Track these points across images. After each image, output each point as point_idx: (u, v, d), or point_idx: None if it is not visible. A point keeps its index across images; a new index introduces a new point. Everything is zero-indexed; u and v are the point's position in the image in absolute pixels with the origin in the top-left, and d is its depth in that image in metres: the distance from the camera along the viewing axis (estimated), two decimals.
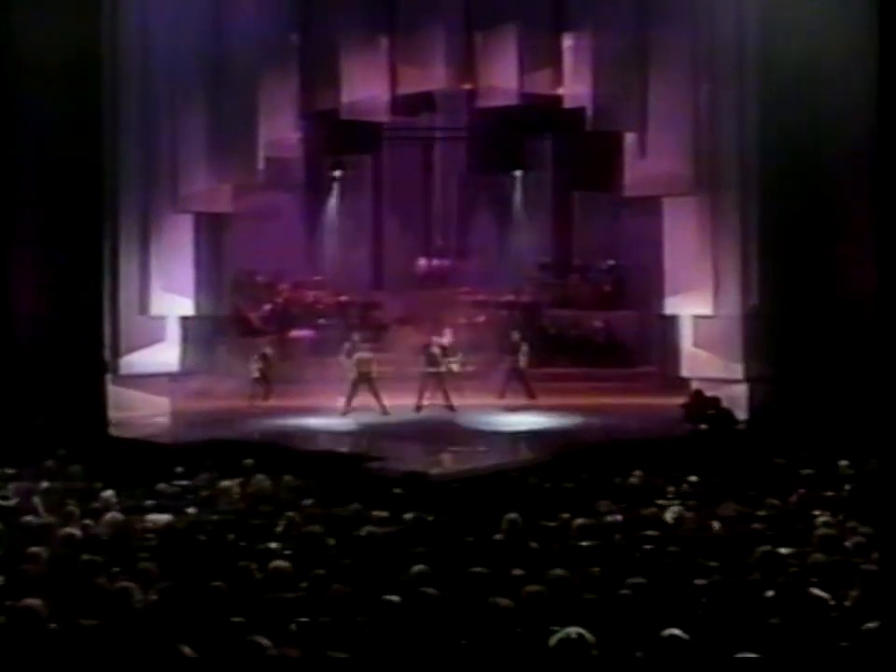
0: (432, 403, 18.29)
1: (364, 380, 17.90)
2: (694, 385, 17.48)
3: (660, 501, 10.71)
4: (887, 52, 16.24)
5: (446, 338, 19.65)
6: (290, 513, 9.81)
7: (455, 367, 18.77)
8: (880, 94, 16.33)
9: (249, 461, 12.54)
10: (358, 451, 15.43)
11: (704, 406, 16.60)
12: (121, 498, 10.79)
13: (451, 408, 18.20)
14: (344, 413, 17.72)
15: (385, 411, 17.82)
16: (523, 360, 19.23)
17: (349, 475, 13.22)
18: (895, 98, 16.33)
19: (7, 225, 16.79)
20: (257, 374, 18.96)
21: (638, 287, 21.27)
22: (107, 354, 17.20)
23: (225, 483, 11.62)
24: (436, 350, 18.61)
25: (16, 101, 16.69)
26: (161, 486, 11.54)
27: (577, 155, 21.31)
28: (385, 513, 10.15)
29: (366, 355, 18.23)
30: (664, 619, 6.40)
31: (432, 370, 18.40)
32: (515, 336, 19.63)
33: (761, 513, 10.10)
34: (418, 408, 18.20)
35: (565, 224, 24.23)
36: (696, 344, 18.11)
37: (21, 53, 16.63)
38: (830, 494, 10.86)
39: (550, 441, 15.92)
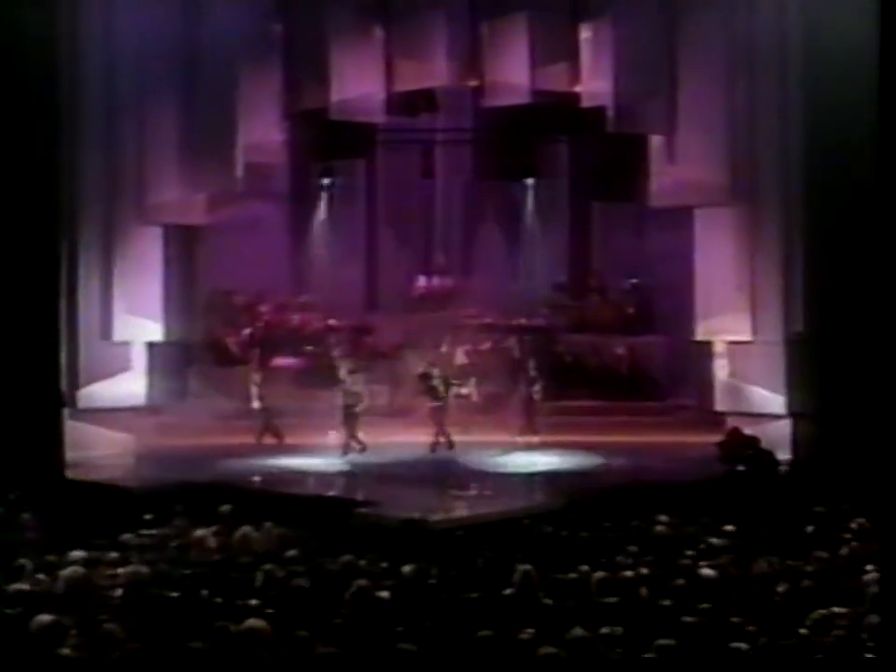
0: (436, 441, 18.31)
1: (348, 414, 17.92)
2: (730, 421, 17.48)
3: (691, 552, 10.71)
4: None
5: (449, 365, 19.65)
6: (272, 566, 9.82)
7: (462, 391, 18.82)
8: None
9: (226, 507, 12.54)
10: (350, 495, 15.44)
11: (741, 445, 16.59)
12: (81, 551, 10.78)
13: (450, 445, 18.21)
14: (345, 451, 17.78)
15: (363, 448, 17.80)
16: (536, 392, 19.33)
17: (339, 522, 13.22)
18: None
19: None
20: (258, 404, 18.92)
21: (666, 309, 21.31)
22: (65, 385, 17.21)
23: (199, 533, 11.63)
24: (435, 379, 18.61)
25: None
26: (126, 537, 11.54)
27: (596, 160, 21.44)
28: (379, 565, 10.16)
29: (356, 387, 18.21)
30: None
31: (435, 403, 18.41)
32: (529, 365, 19.67)
33: (807, 568, 10.09)
34: (433, 447, 18.16)
35: (583, 238, 24.27)
36: (733, 374, 18.15)
37: None
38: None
39: (566, 485, 15.93)
